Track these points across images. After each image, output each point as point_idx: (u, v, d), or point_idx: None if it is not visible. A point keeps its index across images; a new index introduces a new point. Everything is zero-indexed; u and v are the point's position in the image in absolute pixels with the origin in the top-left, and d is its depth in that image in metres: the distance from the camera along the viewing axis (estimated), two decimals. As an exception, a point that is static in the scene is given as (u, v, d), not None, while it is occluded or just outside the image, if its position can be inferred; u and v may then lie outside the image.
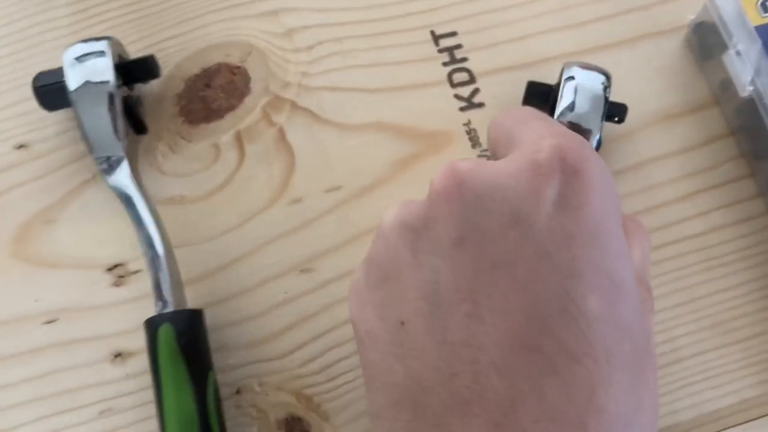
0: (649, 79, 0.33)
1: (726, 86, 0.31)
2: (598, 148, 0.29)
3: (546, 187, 0.20)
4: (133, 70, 0.31)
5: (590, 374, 0.18)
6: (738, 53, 0.29)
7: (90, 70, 0.29)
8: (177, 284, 0.28)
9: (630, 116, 0.31)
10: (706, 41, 0.32)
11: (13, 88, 0.33)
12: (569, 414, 0.18)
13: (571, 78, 0.28)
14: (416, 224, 0.21)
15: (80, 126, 0.29)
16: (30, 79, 0.32)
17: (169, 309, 0.26)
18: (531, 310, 0.19)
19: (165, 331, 0.25)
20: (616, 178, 0.31)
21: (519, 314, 0.19)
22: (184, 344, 0.25)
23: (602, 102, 0.28)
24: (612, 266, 0.20)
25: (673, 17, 0.33)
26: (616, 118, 0.30)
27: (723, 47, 0.30)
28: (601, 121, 0.28)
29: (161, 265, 0.28)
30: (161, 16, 0.34)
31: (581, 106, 0.28)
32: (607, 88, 0.28)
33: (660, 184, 0.31)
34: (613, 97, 0.29)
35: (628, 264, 0.20)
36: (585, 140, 0.22)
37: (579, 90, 0.28)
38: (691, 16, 0.32)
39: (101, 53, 0.29)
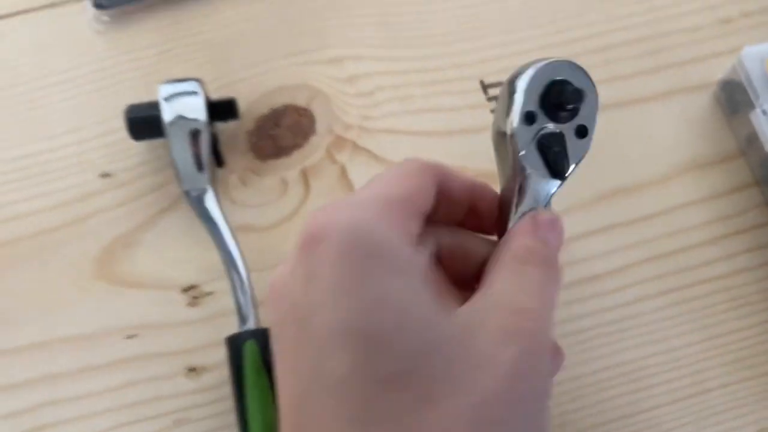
0: (680, 131, 0.36)
1: (752, 140, 0.34)
2: None
3: (296, 268, 0.21)
4: (218, 110, 0.34)
5: None
6: (764, 112, 0.32)
7: (184, 106, 0.32)
8: (256, 304, 0.31)
9: (662, 164, 0.35)
10: (733, 98, 0.35)
11: (99, 122, 0.36)
12: None
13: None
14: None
15: (171, 157, 0.32)
16: (114, 114, 0.36)
17: (251, 327, 0.29)
18: (295, 379, 0.20)
19: (250, 347, 0.28)
20: (648, 222, 0.34)
21: (290, 383, 0.20)
22: (267, 358, 0.28)
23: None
24: (361, 323, 0.20)
25: (703, 75, 0.36)
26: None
27: (750, 105, 0.33)
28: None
29: (244, 287, 0.30)
30: (236, 60, 0.37)
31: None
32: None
33: (690, 228, 0.34)
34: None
35: (385, 315, 0.20)
36: (337, 225, 0.21)
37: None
38: (720, 75, 0.36)
39: (194, 92, 0.33)
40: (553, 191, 0.25)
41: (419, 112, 0.36)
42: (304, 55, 0.38)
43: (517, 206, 0.25)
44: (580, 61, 0.37)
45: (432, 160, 0.25)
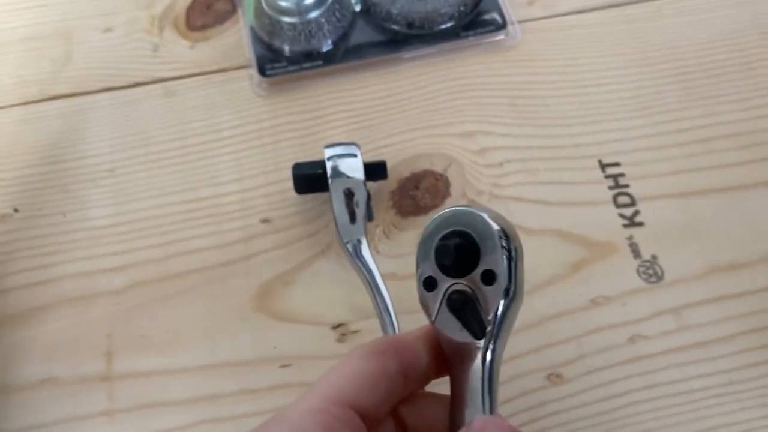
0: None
1: None
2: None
3: None
4: (371, 171, 0.39)
5: None
6: None
7: (345, 166, 0.37)
8: None
9: (764, 245, 0.38)
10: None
11: (260, 174, 0.42)
12: None
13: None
14: None
15: (332, 209, 0.37)
16: (273, 168, 0.41)
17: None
18: None
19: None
20: (755, 295, 0.37)
21: None
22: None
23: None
24: None
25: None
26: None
27: None
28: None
29: (393, 326, 0.34)
30: (381, 128, 0.43)
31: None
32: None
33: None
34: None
35: None
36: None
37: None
38: (818, 169, 0.40)
39: (354, 155, 0.38)
40: (488, 357, 0.23)
41: (543, 183, 0.41)
42: (441, 128, 0.43)
43: (460, 381, 0.23)
44: (689, 149, 0.42)
45: (384, 339, 0.25)
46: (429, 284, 0.24)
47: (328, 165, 0.38)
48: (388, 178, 0.41)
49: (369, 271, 0.36)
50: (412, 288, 0.38)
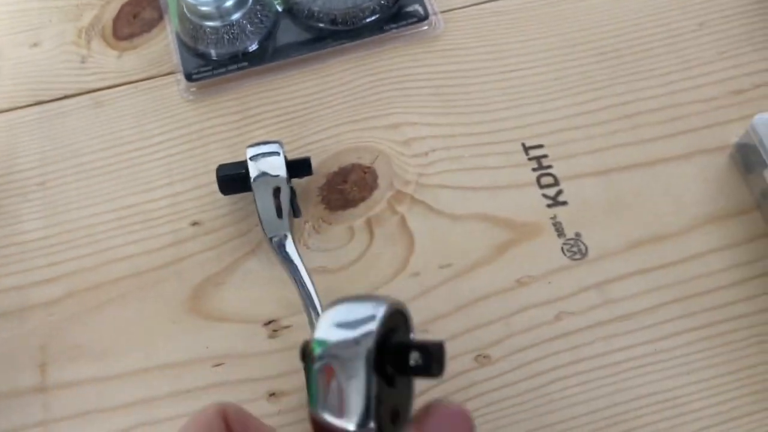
0: (701, 187, 0.40)
1: (766, 195, 0.38)
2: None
3: None
4: (295, 168, 0.39)
5: None
6: (775, 171, 0.37)
7: (267, 165, 0.38)
8: None
9: (687, 216, 0.39)
10: (748, 159, 0.39)
11: (190, 177, 0.42)
12: None
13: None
14: None
15: (256, 208, 0.38)
16: (202, 171, 0.42)
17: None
18: None
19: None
20: (676, 267, 0.38)
21: None
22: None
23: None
24: None
25: (719, 139, 0.41)
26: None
27: (763, 165, 0.37)
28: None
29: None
30: (308, 125, 0.43)
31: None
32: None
33: (713, 273, 0.38)
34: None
35: None
36: None
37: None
38: (735, 138, 0.40)
39: (276, 153, 0.38)
40: None
41: (468, 169, 0.41)
42: (368, 122, 0.43)
43: None
44: (612, 126, 0.43)
45: (228, 406, 0.25)
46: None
47: (251, 165, 0.38)
48: (317, 173, 0.42)
49: (294, 266, 0.37)
50: (341, 282, 0.39)
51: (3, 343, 0.38)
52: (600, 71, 0.44)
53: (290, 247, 0.37)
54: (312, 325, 0.36)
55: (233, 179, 0.39)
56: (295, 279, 0.37)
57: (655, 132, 0.42)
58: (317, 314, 0.36)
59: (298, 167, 0.39)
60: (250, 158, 0.38)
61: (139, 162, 0.43)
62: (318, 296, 0.36)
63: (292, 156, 0.41)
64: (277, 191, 0.38)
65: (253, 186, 0.38)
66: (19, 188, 0.42)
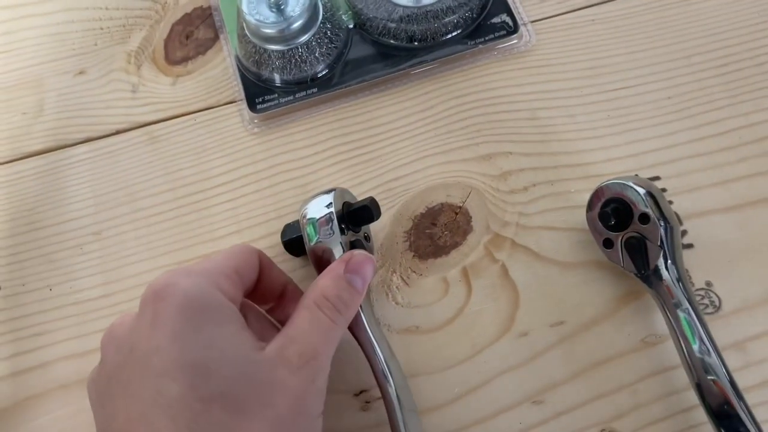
0: None
1: None
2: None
3: (142, 317, 0.27)
4: (353, 219, 0.33)
5: None
6: None
7: (320, 225, 0.32)
8: (412, 413, 0.31)
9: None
10: None
11: (260, 223, 0.38)
12: None
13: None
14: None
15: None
16: (273, 216, 0.38)
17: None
18: (135, 405, 0.25)
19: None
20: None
21: (128, 409, 0.25)
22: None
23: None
24: (191, 358, 0.25)
25: None
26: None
27: None
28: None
29: (396, 400, 0.30)
30: (385, 159, 0.38)
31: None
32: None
33: None
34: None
35: (210, 352, 0.26)
36: (177, 288, 0.27)
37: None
38: None
39: (330, 218, 0.32)
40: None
41: (576, 207, 0.36)
42: (455, 153, 0.38)
43: None
44: (740, 153, 0.37)
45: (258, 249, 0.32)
46: (606, 244, 0.33)
47: (303, 228, 0.33)
48: (401, 215, 0.37)
49: (365, 336, 0.32)
50: (437, 344, 0.34)
51: (66, 419, 0.34)
52: (720, 86, 0.38)
53: (362, 320, 0.32)
54: (390, 408, 0.30)
55: (295, 244, 0.34)
56: (364, 350, 0.32)
57: (794, 159, 0.36)
58: (393, 390, 0.30)
59: (358, 217, 0.33)
60: (300, 220, 0.33)
61: (202, 206, 0.38)
62: (391, 370, 0.30)
63: (374, 194, 0.36)
64: (331, 254, 0.32)
65: (309, 254, 0.32)
66: (74, 239, 0.38)
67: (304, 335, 0.28)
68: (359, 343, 0.32)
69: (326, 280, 0.30)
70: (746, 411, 0.29)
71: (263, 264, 0.32)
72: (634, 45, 0.40)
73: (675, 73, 0.39)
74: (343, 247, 0.32)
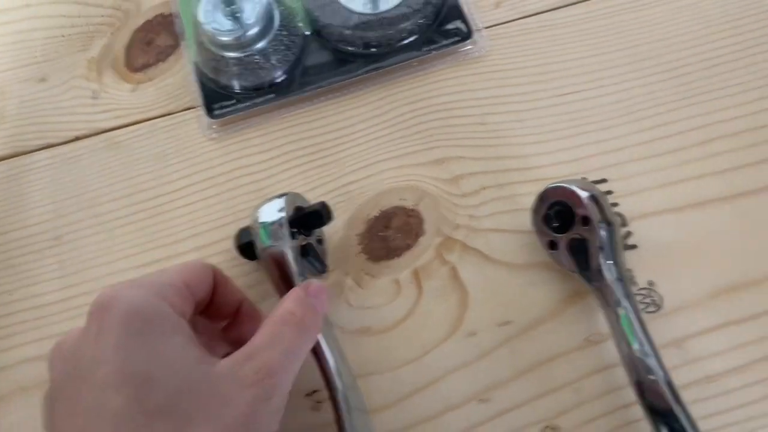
0: None
1: None
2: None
3: (88, 329, 0.27)
4: (307, 221, 0.34)
5: None
6: None
7: (272, 230, 0.33)
8: (361, 413, 0.31)
9: (775, 258, 0.35)
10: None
11: (218, 227, 0.38)
12: None
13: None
14: None
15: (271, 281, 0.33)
16: (231, 219, 0.39)
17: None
18: (79, 418, 0.25)
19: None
20: (766, 318, 0.34)
21: (74, 423, 0.25)
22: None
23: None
24: (135, 370, 0.25)
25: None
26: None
27: None
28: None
29: (345, 399, 0.30)
30: (342, 163, 0.39)
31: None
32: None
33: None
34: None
35: (155, 364, 0.26)
36: (121, 301, 0.27)
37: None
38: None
39: (279, 223, 0.32)
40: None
41: (525, 210, 0.37)
42: (409, 157, 0.39)
43: None
44: (684, 155, 0.38)
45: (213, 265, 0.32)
46: (551, 245, 0.34)
47: (253, 233, 0.33)
48: (355, 219, 0.38)
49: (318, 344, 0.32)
50: (388, 344, 0.35)
51: (28, 420, 0.34)
52: (667, 91, 0.39)
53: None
54: (338, 408, 0.31)
55: (249, 248, 0.34)
56: (314, 350, 0.32)
57: (735, 160, 0.37)
58: (342, 392, 0.31)
59: (311, 220, 0.34)
60: (252, 225, 0.34)
61: (161, 211, 0.39)
62: (340, 371, 0.31)
63: (328, 199, 0.37)
64: (280, 260, 0.33)
65: (261, 258, 0.33)
66: (34, 244, 0.38)
67: (262, 352, 0.27)
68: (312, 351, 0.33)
69: (289, 302, 0.30)
70: (682, 408, 0.30)
71: (218, 280, 0.32)
72: (585, 50, 0.41)
73: (624, 78, 0.40)
74: (293, 252, 0.33)
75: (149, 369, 0.25)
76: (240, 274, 0.37)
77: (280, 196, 0.34)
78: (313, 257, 0.36)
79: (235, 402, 0.26)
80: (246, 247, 0.35)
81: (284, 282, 0.33)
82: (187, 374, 0.26)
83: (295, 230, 0.33)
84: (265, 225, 0.33)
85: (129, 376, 0.25)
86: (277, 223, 0.33)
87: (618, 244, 0.33)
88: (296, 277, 0.32)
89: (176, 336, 0.27)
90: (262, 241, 0.33)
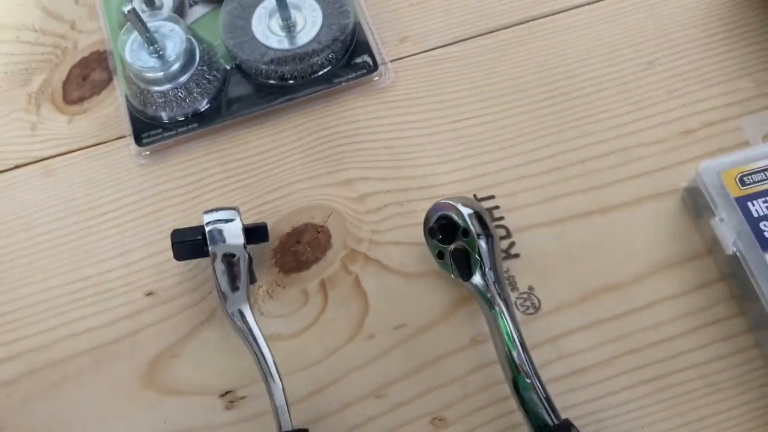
0: (653, 234, 0.40)
1: (715, 241, 0.38)
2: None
3: None
4: (252, 235, 0.39)
5: None
6: (722, 220, 0.37)
7: (225, 232, 0.37)
8: (289, 406, 0.35)
9: (640, 264, 0.39)
10: (697, 203, 0.39)
11: (144, 245, 0.42)
12: None
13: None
14: None
15: (214, 277, 0.37)
16: (157, 238, 0.41)
17: (286, 428, 0.33)
18: None
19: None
20: (629, 317, 0.38)
21: None
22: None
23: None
24: None
25: (670, 182, 0.41)
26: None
27: (711, 212, 0.37)
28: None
29: (278, 392, 0.35)
30: (259, 185, 0.43)
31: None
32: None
33: (667, 321, 0.38)
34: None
35: None
36: None
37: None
38: (684, 183, 0.40)
39: (232, 220, 0.38)
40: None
41: (421, 225, 0.41)
42: (321, 178, 0.43)
43: None
44: (563, 174, 0.43)
45: None
46: (439, 255, 0.38)
47: (207, 231, 0.38)
48: (270, 236, 0.41)
49: (252, 335, 0.37)
50: (295, 348, 0.39)
51: (-40, 428, 0.38)
52: (551, 116, 0.44)
53: (248, 316, 0.37)
54: (271, 396, 0.35)
55: (189, 245, 0.38)
56: (252, 348, 0.36)
57: (606, 177, 0.42)
58: (276, 386, 0.35)
59: (255, 234, 0.39)
60: (207, 224, 0.38)
61: (92, 232, 0.42)
62: (276, 365, 0.36)
63: (246, 219, 0.41)
64: (234, 260, 0.38)
65: (211, 254, 0.37)
66: (-28, 265, 0.42)
67: None
68: (250, 348, 0.36)
69: None
70: (547, 403, 0.34)
71: None
72: (479, 80, 0.46)
73: (512, 104, 0.45)
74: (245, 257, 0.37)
75: None
76: (170, 285, 0.40)
77: (231, 208, 0.39)
78: (250, 268, 0.40)
79: None
80: (189, 244, 0.38)
81: (232, 283, 0.37)
82: None
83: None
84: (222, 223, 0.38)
85: None
86: (233, 222, 0.38)
87: (496, 254, 0.37)
88: (245, 280, 0.37)
89: None
90: (219, 239, 0.37)
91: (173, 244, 0.39)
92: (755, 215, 0.36)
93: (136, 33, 0.42)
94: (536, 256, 0.40)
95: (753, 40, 0.45)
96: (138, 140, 0.44)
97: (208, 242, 0.38)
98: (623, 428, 0.36)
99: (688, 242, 0.40)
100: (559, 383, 0.37)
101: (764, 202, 0.37)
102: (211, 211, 0.39)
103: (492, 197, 0.42)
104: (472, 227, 0.36)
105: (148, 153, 0.44)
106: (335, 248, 0.41)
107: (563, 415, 0.34)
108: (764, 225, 0.36)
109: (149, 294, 0.40)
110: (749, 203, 0.37)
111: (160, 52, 0.42)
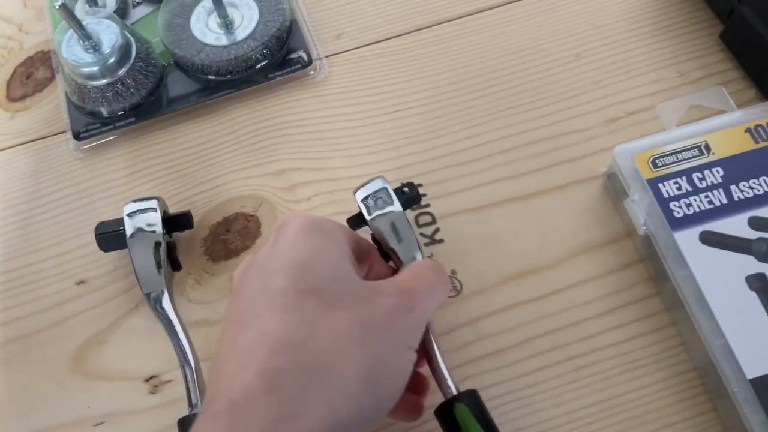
0: (575, 218, 0.41)
1: (632, 224, 0.39)
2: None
3: (266, 243, 0.32)
4: (174, 223, 0.40)
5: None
6: (634, 201, 0.37)
7: (144, 222, 0.38)
8: (203, 391, 0.36)
9: (561, 247, 0.40)
10: (616, 187, 0.40)
11: (77, 236, 0.43)
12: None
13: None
14: None
15: (132, 265, 0.38)
16: (89, 229, 0.42)
17: (198, 411, 0.34)
18: (247, 297, 0.30)
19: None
20: (548, 299, 0.39)
21: (242, 299, 0.30)
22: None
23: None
24: (298, 259, 0.30)
25: (593, 168, 0.42)
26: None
27: (626, 195, 0.38)
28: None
29: (194, 377, 0.35)
30: (195, 176, 0.44)
31: None
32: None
33: (586, 302, 0.39)
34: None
35: (315, 256, 0.30)
36: (300, 216, 0.32)
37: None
38: (603, 168, 0.41)
39: (153, 209, 0.39)
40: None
41: (349, 213, 0.42)
42: (253, 170, 0.44)
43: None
44: (489, 162, 0.43)
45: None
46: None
47: (127, 222, 0.39)
48: (200, 225, 0.42)
49: (169, 322, 0.37)
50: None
51: None
52: (480, 107, 0.45)
53: (166, 303, 0.38)
54: (186, 382, 0.36)
55: (111, 236, 0.39)
56: (170, 335, 0.37)
57: (531, 165, 0.43)
58: (192, 372, 0.36)
59: (178, 222, 0.40)
60: (127, 215, 0.39)
61: (28, 223, 0.43)
62: (193, 351, 0.37)
63: (177, 209, 0.42)
64: (154, 247, 0.38)
65: (129, 243, 0.38)
66: None
67: (405, 280, 0.31)
68: (168, 334, 0.37)
69: (425, 261, 0.34)
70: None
71: (374, 257, 0.35)
72: (412, 74, 0.47)
73: (444, 96, 0.46)
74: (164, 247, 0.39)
75: (310, 259, 0.30)
76: (101, 274, 0.41)
77: (150, 198, 0.39)
78: (172, 256, 0.40)
79: (378, 304, 0.29)
80: (110, 236, 0.39)
81: (157, 269, 0.38)
82: (338, 271, 0.30)
83: (164, 231, 0.39)
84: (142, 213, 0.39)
85: (292, 263, 0.29)
86: (154, 212, 0.39)
87: (402, 233, 0.36)
88: (164, 263, 0.38)
89: (338, 246, 0.31)
90: (138, 228, 0.38)
91: (96, 236, 0.40)
92: (665, 195, 0.37)
93: (72, 30, 0.44)
94: (460, 242, 0.41)
95: (678, 32, 0.47)
96: (76, 135, 0.45)
97: (127, 231, 0.38)
98: (539, 407, 0.36)
99: (610, 226, 0.41)
100: (476, 364, 0.37)
101: (674, 183, 0.38)
102: (133, 201, 0.39)
103: (420, 185, 0.43)
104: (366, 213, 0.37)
105: (86, 147, 0.45)
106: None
107: (487, 395, 0.34)
108: (674, 205, 0.37)
109: (80, 282, 0.41)
110: (660, 184, 0.38)
111: (96, 47, 0.44)
